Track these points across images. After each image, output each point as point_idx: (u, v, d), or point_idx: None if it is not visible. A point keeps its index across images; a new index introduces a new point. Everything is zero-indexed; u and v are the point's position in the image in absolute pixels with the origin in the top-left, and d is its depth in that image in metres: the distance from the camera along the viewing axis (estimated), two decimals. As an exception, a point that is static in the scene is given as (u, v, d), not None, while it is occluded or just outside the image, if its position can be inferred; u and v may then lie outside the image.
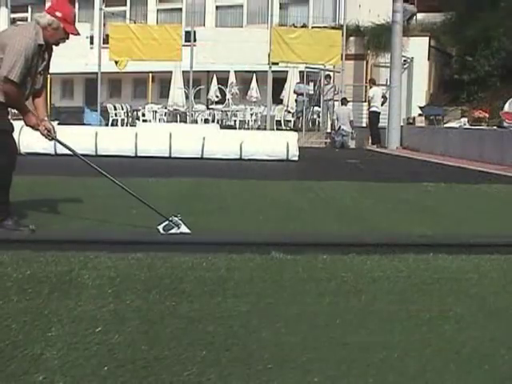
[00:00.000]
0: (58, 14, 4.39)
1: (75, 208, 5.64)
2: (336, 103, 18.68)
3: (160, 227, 4.44)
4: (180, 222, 4.43)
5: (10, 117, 4.63)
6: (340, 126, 17.85)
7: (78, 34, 4.54)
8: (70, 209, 5.59)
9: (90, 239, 4.17)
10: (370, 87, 18.51)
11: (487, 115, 16.57)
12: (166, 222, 4.44)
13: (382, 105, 17.94)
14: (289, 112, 20.72)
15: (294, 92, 20.32)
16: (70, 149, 4.85)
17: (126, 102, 24.74)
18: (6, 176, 4.48)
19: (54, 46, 4.52)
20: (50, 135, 4.60)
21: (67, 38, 4.51)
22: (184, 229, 4.42)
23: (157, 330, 2.51)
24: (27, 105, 4.56)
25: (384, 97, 18.02)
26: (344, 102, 18.12)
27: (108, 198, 6.29)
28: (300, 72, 20.34)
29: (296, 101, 20.34)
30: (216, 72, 21.28)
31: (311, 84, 20.92)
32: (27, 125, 4.59)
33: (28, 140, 11.75)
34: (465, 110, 17.98)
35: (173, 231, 4.41)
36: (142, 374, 2.11)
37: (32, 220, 4.79)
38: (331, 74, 19.71)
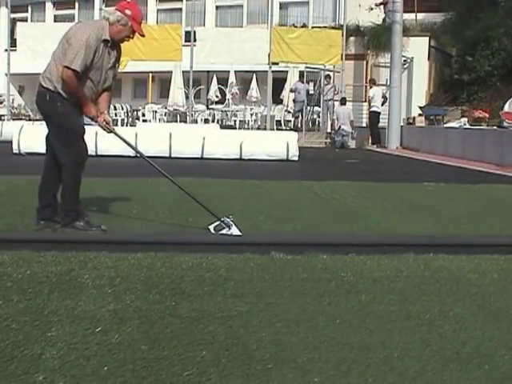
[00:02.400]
0: (128, 12, 4.46)
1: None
2: (336, 103, 18.67)
3: (211, 227, 4.46)
4: (231, 223, 4.43)
5: (82, 116, 4.61)
6: (340, 126, 17.85)
7: (144, 34, 4.61)
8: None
9: (90, 239, 4.17)
10: (370, 87, 18.52)
11: (487, 115, 16.57)
12: (218, 223, 4.45)
13: (382, 105, 17.95)
14: (289, 112, 20.71)
15: (291, 90, 20.21)
16: (127, 143, 4.89)
17: (126, 101, 24.76)
18: (75, 177, 4.48)
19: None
20: (108, 127, 4.63)
21: (132, 37, 4.57)
22: (235, 230, 4.42)
23: (157, 330, 2.51)
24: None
25: (384, 97, 18.03)
26: (343, 101, 18.11)
27: (108, 197, 6.29)
28: (300, 72, 20.32)
29: (294, 100, 20.21)
30: (216, 72, 21.28)
31: (311, 84, 20.92)
32: (86, 115, 4.60)
33: (29, 140, 11.82)
34: (465, 110, 17.98)
35: (223, 232, 4.42)
36: (142, 374, 2.11)
37: (31, 219, 4.79)
38: (331, 73, 19.71)
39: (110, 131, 4.66)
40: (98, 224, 4.52)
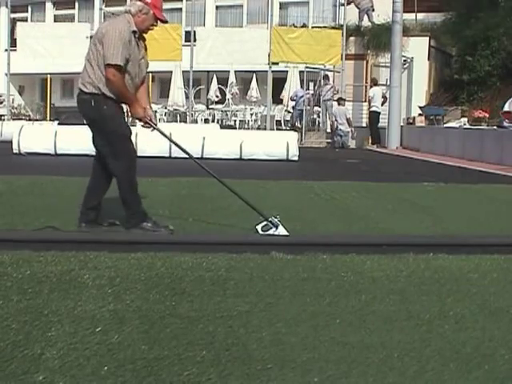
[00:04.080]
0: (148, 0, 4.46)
1: (75, 208, 5.63)
2: (335, 103, 18.67)
3: (258, 227, 4.46)
4: (278, 223, 4.43)
5: (127, 118, 4.60)
6: (337, 126, 17.86)
7: (166, 20, 4.62)
8: (70, 209, 5.58)
9: (90, 239, 4.17)
10: (371, 87, 18.52)
11: (487, 115, 16.57)
12: (265, 223, 4.45)
13: (382, 105, 17.95)
14: (289, 112, 20.69)
15: (291, 99, 20.06)
16: (171, 140, 4.88)
17: (126, 101, 24.69)
18: (130, 179, 4.46)
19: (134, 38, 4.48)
20: (152, 124, 4.61)
21: (156, 25, 4.57)
22: (282, 230, 4.42)
23: (157, 330, 2.51)
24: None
25: (384, 97, 18.04)
26: (341, 101, 18.10)
27: (108, 197, 6.29)
28: (300, 72, 20.32)
29: (293, 107, 20.02)
30: (216, 72, 21.27)
31: (311, 84, 20.89)
32: (133, 116, 4.59)
33: (29, 140, 11.82)
34: (465, 110, 17.98)
35: (270, 232, 4.42)
36: (142, 374, 2.11)
37: (31, 219, 4.79)
38: (329, 74, 19.71)
39: (154, 128, 4.63)
40: (166, 224, 4.51)
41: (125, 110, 4.70)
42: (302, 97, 19.21)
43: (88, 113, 4.46)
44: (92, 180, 4.64)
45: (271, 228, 4.42)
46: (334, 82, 19.66)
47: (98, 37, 4.36)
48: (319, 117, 20.96)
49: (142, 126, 4.63)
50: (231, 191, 4.73)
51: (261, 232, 4.43)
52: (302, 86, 19.72)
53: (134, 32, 4.39)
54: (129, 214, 4.49)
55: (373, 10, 19.92)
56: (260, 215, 4.51)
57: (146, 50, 4.58)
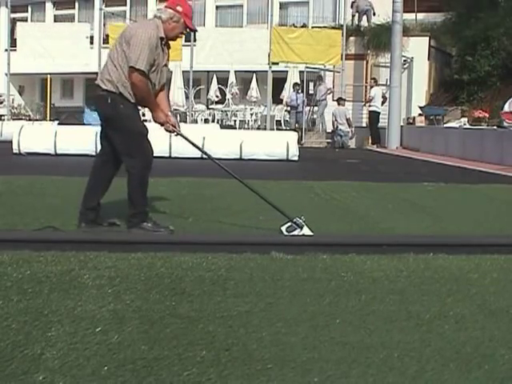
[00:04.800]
0: (179, 8, 4.45)
1: (75, 208, 5.63)
2: (335, 103, 18.66)
3: (283, 228, 4.46)
4: (303, 223, 4.43)
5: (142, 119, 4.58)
6: (337, 126, 17.87)
7: (196, 29, 4.60)
8: (70, 209, 5.58)
9: (90, 239, 4.17)
10: (371, 87, 18.52)
11: (487, 115, 16.56)
12: (289, 224, 4.46)
13: (381, 104, 17.96)
14: (289, 112, 20.69)
15: (286, 104, 19.85)
16: (194, 145, 4.89)
17: (126, 101, 24.70)
18: (142, 179, 4.45)
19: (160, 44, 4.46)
20: (175, 130, 4.60)
21: (185, 33, 4.57)
22: (306, 231, 4.43)
23: (157, 330, 2.51)
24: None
25: (384, 97, 18.05)
26: (341, 101, 18.11)
27: (108, 197, 6.28)
28: (300, 72, 20.32)
29: (288, 112, 19.86)
30: (216, 72, 21.28)
31: (311, 84, 20.89)
32: (156, 121, 4.57)
33: (29, 140, 11.82)
34: (465, 110, 17.98)
35: (295, 233, 4.42)
36: (142, 374, 2.11)
37: (31, 219, 4.79)
38: (329, 74, 19.71)
39: (178, 134, 4.63)
40: (166, 225, 4.50)
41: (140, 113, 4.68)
42: (297, 100, 19.17)
43: (103, 109, 4.43)
44: (92, 179, 4.62)
45: (296, 229, 4.43)
46: (333, 81, 19.66)
47: (125, 37, 4.32)
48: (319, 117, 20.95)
49: (166, 130, 4.61)
50: (255, 193, 4.77)
51: (285, 233, 4.44)
52: (294, 88, 19.53)
53: (162, 38, 4.37)
54: (132, 212, 4.47)
55: (373, 14, 19.92)
56: (284, 216, 4.52)
57: (168, 57, 4.56)
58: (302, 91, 19.33)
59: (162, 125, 4.56)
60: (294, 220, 4.44)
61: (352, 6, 20.20)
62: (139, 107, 4.53)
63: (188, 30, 4.55)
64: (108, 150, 4.55)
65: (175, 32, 4.47)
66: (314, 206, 6.30)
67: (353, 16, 20.12)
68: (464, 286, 3.30)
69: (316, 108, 20.82)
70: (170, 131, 4.63)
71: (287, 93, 20.45)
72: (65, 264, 3.45)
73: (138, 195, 4.44)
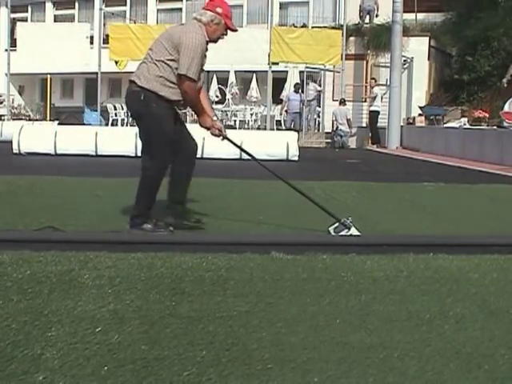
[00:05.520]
0: (219, 9, 4.42)
1: (75, 208, 5.64)
2: (335, 103, 18.65)
3: (331, 228, 4.49)
4: (351, 224, 4.46)
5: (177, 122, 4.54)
6: (337, 127, 17.88)
7: (236, 29, 4.55)
8: (70, 209, 5.59)
9: (90, 239, 4.17)
10: (372, 87, 18.51)
11: (487, 115, 16.56)
12: (337, 224, 4.49)
13: (374, 105, 18.03)
14: (286, 112, 20.67)
15: (284, 102, 19.64)
16: (239, 147, 4.92)
17: (126, 101, 24.71)
18: (154, 182, 4.40)
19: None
20: (221, 134, 4.58)
21: (225, 35, 4.53)
22: (354, 231, 4.46)
23: (157, 330, 2.51)
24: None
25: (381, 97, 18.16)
26: (342, 102, 18.12)
27: (108, 198, 6.29)
28: (300, 72, 20.33)
29: (286, 111, 19.53)
30: (216, 72, 21.28)
31: (311, 84, 20.89)
32: (202, 126, 4.56)
33: (29, 140, 11.82)
34: (465, 110, 17.98)
35: (343, 233, 4.46)
36: (142, 374, 2.11)
37: (31, 219, 4.79)
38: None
39: (224, 137, 4.61)
40: (166, 226, 4.49)
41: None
42: (295, 100, 19.09)
43: (135, 105, 4.39)
44: (170, 178, 4.58)
45: (344, 229, 4.46)
46: (334, 81, 19.65)
47: (172, 40, 4.28)
48: (319, 117, 20.96)
49: (212, 134, 4.60)
50: (301, 194, 4.84)
51: (333, 233, 4.47)
52: (295, 87, 19.46)
53: (207, 42, 4.37)
54: (135, 213, 4.45)
55: (376, 16, 19.92)
56: (332, 217, 4.56)
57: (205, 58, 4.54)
58: (302, 91, 19.32)
59: (208, 129, 4.54)
60: (342, 221, 4.49)
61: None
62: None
63: (227, 31, 4.51)
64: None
65: (217, 34, 4.44)
66: (314, 206, 6.29)
67: (361, 17, 20.12)
68: (464, 285, 3.30)
69: (317, 108, 20.83)
70: (216, 135, 4.60)
71: (287, 93, 20.45)
72: (65, 264, 3.45)
73: (144, 197, 4.42)
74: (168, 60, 4.26)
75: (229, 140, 4.66)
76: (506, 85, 14.18)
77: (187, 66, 4.20)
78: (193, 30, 4.35)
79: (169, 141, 4.36)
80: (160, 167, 4.40)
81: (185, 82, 4.24)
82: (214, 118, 4.59)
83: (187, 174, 4.60)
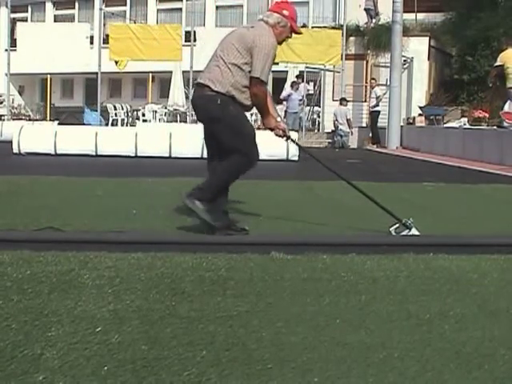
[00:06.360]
0: (286, 12, 4.45)
1: (75, 208, 5.64)
2: (336, 103, 18.65)
3: (392, 229, 4.55)
4: (412, 225, 4.52)
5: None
6: (337, 126, 17.88)
7: (301, 32, 4.58)
8: (70, 209, 5.59)
9: (90, 239, 4.17)
10: (373, 87, 18.50)
11: (487, 115, 16.56)
12: (398, 225, 4.55)
13: (377, 105, 18.02)
14: (285, 112, 20.61)
15: (283, 99, 18.93)
16: (303, 148, 4.95)
17: (126, 101, 24.78)
18: (233, 175, 4.40)
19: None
20: (285, 135, 4.59)
21: (290, 37, 4.55)
22: (415, 231, 4.51)
23: (157, 330, 2.51)
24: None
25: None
26: (343, 102, 18.11)
27: (108, 198, 6.29)
28: (300, 72, 20.31)
29: (286, 112, 18.67)
30: (216, 72, 21.24)
31: (311, 84, 20.88)
32: (266, 127, 4.57)
33: (29, 140, 11.82)
34: (465, 110, 17.98)
35: (404, 233, 4.52)
36: (142, 374, 2.11)
37: (31, 219, 4.79)
38: (329, 73, 19.70)
39: (288, 138, 4.64)
40: (243, 226, 4.49)
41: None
42: (295, 99, 18.92)
43: (211, 110, 4.34)
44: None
45: (405, 230, 4.53)
46: (334, 81, 19.65)
47: (245, 43, 4.28)
48: (319, 117, 20.95)
49: (276, 135, 4.62)
50: (364, 195, 4.93)
51: (394, 234, 4.54)
52: (292, 86, 19.23)
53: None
54: (201, 194, 4.30)
55: (376, 14, 19.90)
56: (394, 218, 4.62)
57: None
58: (297, 88, 19.24)
59: (271, 130, 4.56)
60: (404, 221, 4.55)
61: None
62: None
63: (292, 33, 4.53)
64: (217, 150, 4.47)
65: (282, 36, 4.46)
66: (313, 205, 6.30)
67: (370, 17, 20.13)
68: (464, 285, 3.30)
69: (316, 108, 20.81)
70: (280, 136, 4.63)
71: (287, 92, 20.40)
72: (65, 264, 3.45)
73: (219, 185, 4.38)
74: (242, 64, 4.26)
75: (292, 141, 4.76)
76: (490, 85, 14.19)
77: (261, 70, 4.23)
78: (265, 33, 4.36)
79: (252, 136, 4.39)
80: (247, 164, 4.38)
81: (257, 85, 4.27)
82: (278, 119, 4.62)
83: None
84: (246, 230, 4.44)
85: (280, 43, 4.49)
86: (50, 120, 19.03)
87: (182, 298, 2.93)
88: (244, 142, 4.36)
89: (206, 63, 4.51)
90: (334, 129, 18.30)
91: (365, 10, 20.08)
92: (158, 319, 2.64)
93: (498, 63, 12.82)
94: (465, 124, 16.02)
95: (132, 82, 27.52)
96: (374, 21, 20.09)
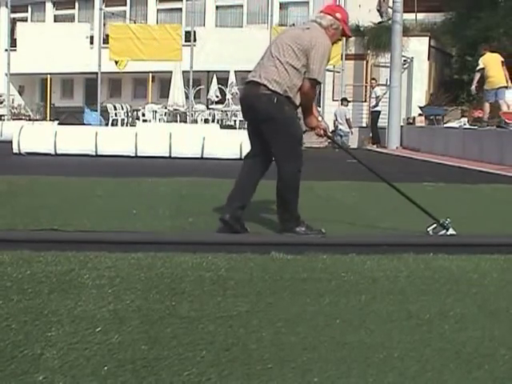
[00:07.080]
0: (338, 15, 4.47)
1: (75, 208, 5.64)
2: (336, 103, 18.65)
3: (429, 229, 4.62)
4: (449, 225, 4.59)
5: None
6: (337, 126, 17.88)
7: (351, 35, 4.62)
8: (70, 209, 5.59)
9: (90, 239, 4.17)
10: (373, 87, 18.50)
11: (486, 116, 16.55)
12: (435, 225, 4.62)
13: (377, 105, 18.02)
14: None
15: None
16: (342, 148, 5.00)
17: (126, 101, 24.76)
18: (296, 182, 4.44)
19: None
20: (326, 134, 4.65)
21: (341, 40, 4.58)
22: (452, 231, 4.59)
23: (157, 330, 2.51)
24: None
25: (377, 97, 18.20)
26: (343, 102, 18.11)
27: (108, 198, 6.29)
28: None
29: None
30: (216, 72, 21.28)
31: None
32: (308, 126, 4.60)
33: (29, 140, 11.83)
34: (465, 110, 17.98)
35: (441, 233, 4.59)
36: (142, 374, 2.11)
37: (31, 219, 4.79)
38: (329, 74, 19.68)
39: (329, 137, 4.78)
40: (319, 228, 4.51)
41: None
42: None
43: (268, 109, 4.32)
44: (243, 180, 4.63)
45: (442, 230, 4.60)
46: (334, 81, 19.64)
47: (301, 44, 4.29)
48: (319, 116, 20.94)
49: (316, 134, 4.66)
50: (403, 195, 5.02)
51: (431, 234, 4.61)
52: None
53: None
54: (286, 217, 4.46)
55: (386, 12, 19.87)
56: (431, 218, 4.67)
57: None
58: None
59: (313, 129, 4.59)
60: (441, 222, 4.61)
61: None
62: None
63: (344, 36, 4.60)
64: (259, 149, 4.50)
65: (334, 39, 4.48)
66: (313, 205, 6.29)
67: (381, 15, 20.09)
68: (464, 285, 3.30)
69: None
70: (320, 135, 4.67)
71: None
72: (65, 264, 3.45)
73: (292, 198, 4.46)
74: (299, 65, 4.27)
75: (332, 140, 4.95)
76: (475, 91, 14.66)
77: (318, 71, 4.27)
78: (321, 35, 4.39)
79: (300, 140, 4.45)
80: (297, 168, 4.42)
81: (311, 85, 4.31)
82: (320, 119, 4.64)
83: (259, 178, 4.64)
84: (322, 233, 4.51)
85: (331, 45, 4.52)
86: (50, 120, 19.03)
87: (181, 298, 2.93)
88: (293, 144, 4.39)
89: (258, 62, 4.48)
90: (333, 129, 18.28)
91: (377, 10, 20.03)
92: (157, 319, 2.64)
93: (480, 67, 13.80)
94: (465, 124, 16.02)
95: (132, 82, 27.51)
96: (384, 19, 20.01)
